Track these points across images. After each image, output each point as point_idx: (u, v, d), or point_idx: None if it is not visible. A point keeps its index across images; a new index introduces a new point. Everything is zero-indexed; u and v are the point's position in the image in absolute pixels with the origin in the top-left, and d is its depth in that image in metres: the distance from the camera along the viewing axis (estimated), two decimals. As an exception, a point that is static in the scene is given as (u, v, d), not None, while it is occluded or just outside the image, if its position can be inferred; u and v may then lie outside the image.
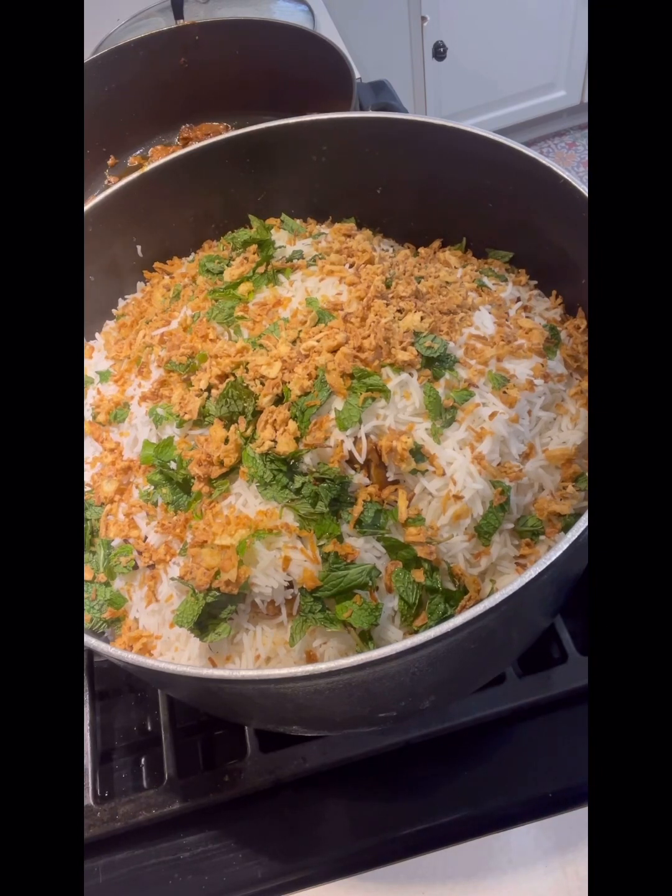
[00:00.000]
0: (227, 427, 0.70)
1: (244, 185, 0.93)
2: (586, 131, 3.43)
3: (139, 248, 0.95)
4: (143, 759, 0.86)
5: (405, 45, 2.83)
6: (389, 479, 0.68)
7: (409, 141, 0.85)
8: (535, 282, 0.88)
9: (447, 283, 0.81)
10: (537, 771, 0.79)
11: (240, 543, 0.64)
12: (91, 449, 0.81)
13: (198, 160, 0.90)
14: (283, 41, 1.39)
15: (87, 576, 0.74)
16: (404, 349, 0.69)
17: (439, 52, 2.84)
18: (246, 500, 0.68)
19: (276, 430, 0.67)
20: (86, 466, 0.80)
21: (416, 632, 0.63)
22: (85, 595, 0.74)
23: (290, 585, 0.65)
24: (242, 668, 0.66)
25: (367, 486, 0.67)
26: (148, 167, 0.89)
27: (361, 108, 1.38)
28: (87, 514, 0.77)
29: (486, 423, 0.68)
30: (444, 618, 0.63)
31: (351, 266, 0.81)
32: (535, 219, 0.81)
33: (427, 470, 0.66)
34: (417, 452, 0.66)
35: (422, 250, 0.93)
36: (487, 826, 0.77)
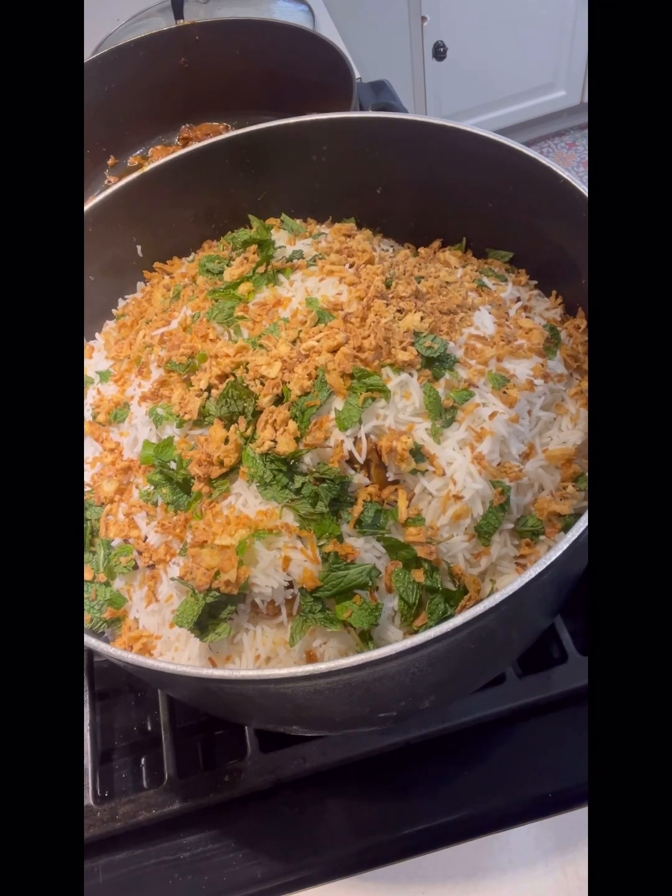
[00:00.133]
0: (227, 427, 0.70)
1: (244, 185, 0.93)
2: (586, 131, 3.43)
3: (139, 248, 0.95)
4: (143, 759, 0.86)
5: (405, 45, 2.83)
6: (389, 479, 0.68)
7: (409, 141, 0.85)
8: (535, 282, 0.88)
9: (447, 283, 0.81)
10: (537, 771, 0.79)
11: (240, 543, 0.64)
12: (91, 449, 0.81)
13: (198, 160, 0.90)
14: (283, 41, 1.39)
15: (87, 576, 0.74)
16: (404, 349, 0.69)
17: (439, 52, 2.84)
18: (246, 500, 0.68)
19: (276, 430, 0.67)
20: (86, 466, 0.80)
21: (416, 632, 0.63)
22: (85, 595, 0.74)
23: (290, 585, 0.65)
24: (242, 668, 0.66)
25: (367, 486, 0.67)
26: (148, 167, 0.89)
27: (361, 108, 1.38)
28: (87, 514, 0.77)
29: (486, 423, 0.68)
30: (444, 618, 0.63)
31: (351, 266, 0.81)
32: (535, 219, 0.81)
33: (427, 470, 0.66)
34: (417, 452, 0.66)
35: (422, 250, 0.93)
36: (487, 826, 0.77)
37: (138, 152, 1.51)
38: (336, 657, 0.62)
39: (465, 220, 0.90)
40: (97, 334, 0.94)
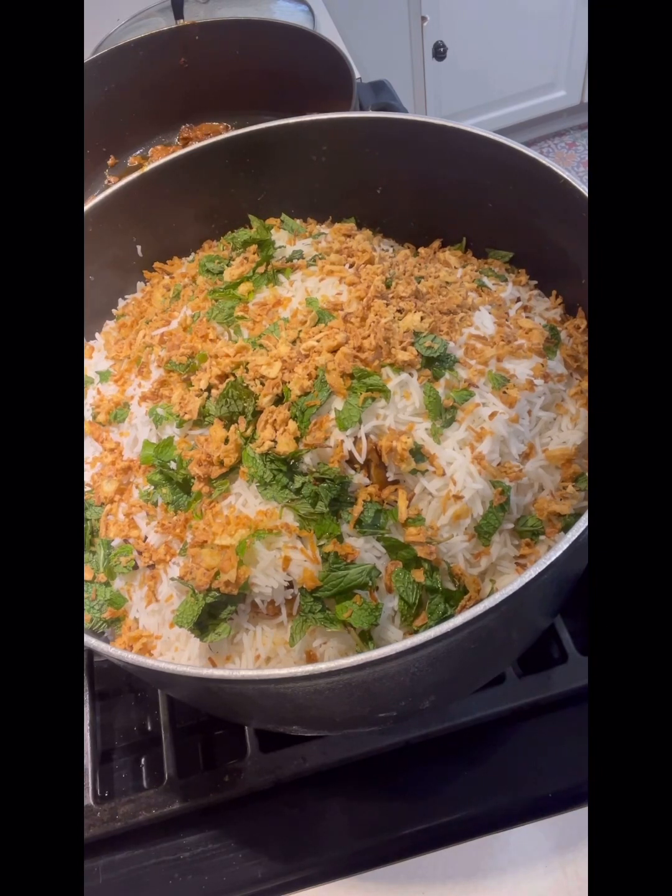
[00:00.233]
0: (227, 427, 0.70)
1: (244, 185, 0.93)
2: (586, 131, 3.43)
3: (139, 248, 0.95)
4: (143, 759, 0.86)
5: (405, 45, 2.83)
6: (389, 479, 0.68)
7: (409, 141, 0.85)
8: (535, 282, 0.88)
9: (447, 283, 0.81)
10: (537, 771, 0.79)
11: (240, 543, 0.64)
12: (91, 449, 0.81)
13: (198, 160, 0.90)
14: (283, 41, 1.39)
15: (87, 576, 0.74)
16: (404, 349, 0.69)
17: (439, 52, 2.84)
18: (246, 500, 0.68)
19: (276, 430, 0.67)
20: (86, 466, 0.80)
21: (416, 632, 0.63)
22: (85, 595, 0.74)
23: (290, 585, 0.65)
24: (242, 668, 0.66)
25: (367, 486, 0.67)
26: (148, 167, 0.89)
27: (361, 108, 1.38)
28: (87, 514, 0.77)
29: (486, 423, 0.68)
30: (444, 618, 0.63)
31: (351, 266, 0.81)
32: (535, 219, 0.81)
33: (427, 470, 0.66)
34: (417, 452, 0.66)
35: (422, 250, 0.93)
36: (487, 826, 0.77)
37: (138, 152, 1.51)
38: (336, 657, 0.62)
39: (465, 220, 0.90)
40: (97, 334, 0.94)
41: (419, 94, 3.02)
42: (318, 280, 0.80)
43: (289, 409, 0.68)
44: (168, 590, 0.70)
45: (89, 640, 0.58)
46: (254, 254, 0.86)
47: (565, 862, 0.74)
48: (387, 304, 0.73)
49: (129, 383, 0.83)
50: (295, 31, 1.39)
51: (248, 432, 0.69)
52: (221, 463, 0.68)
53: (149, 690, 0.89)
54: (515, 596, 0.51)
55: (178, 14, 1.53)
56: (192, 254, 0.98)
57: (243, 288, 0.82)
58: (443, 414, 0.68)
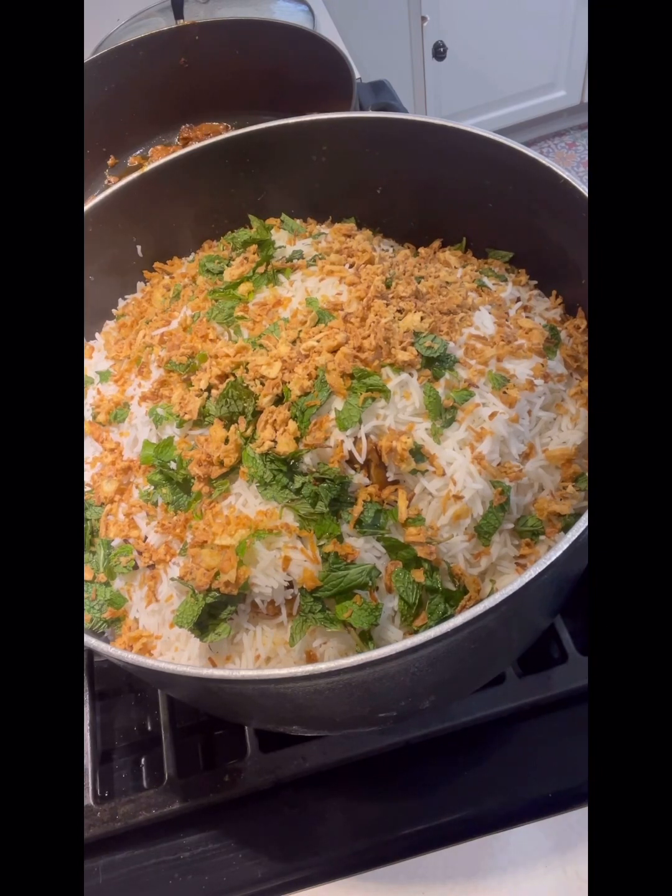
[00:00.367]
0: (227, 427, 0.70)
1: (244, 185, 0.93)
2: (586, 131, 3.43)
3: (139, 248, 0.95)
4: (143, 759, 0.86)
5: (405, 45, 2.83)
6: (389, 479, 0.68)
7: (409, 141, 0.85)
8: (535, 282, 0.88)
9: (447, 283, 0.81)
10: (537, 771, 0.79)
11: (240, 543, 0.64)
12: (91, 449, 0.81)
13: (198, 160, 0.90)
14: (283, 41, 1.39)
15: (87, 576, 0.74)
16: (404, 349, 0.69)
17: (439, 52, 2.84)
18: (246, 500, 0.68)
19: (276, 430, 0.67)
20: (86, 466, 0.80)
21: (416, 632, 0.63)
22: (85, 595, 0.74)
23: (290, 585, 0.65)
24: (242, 668, 0.66)
25: (367, 486, 0.67)
26: (148, 167, 0.89)
27: (361, 108, 1.38)
28: (87, 514, 0.77)
29: (486, 423, 0.68)
30: (444, 618, 0.63)
31: (351, 266, 0.81)
32: (535, 219, 0.81)
33: (427, 470, 0.66)
34: (417, 452, 0.66)
35: (422, 250, 0.93)
36: (487, 826, 0.77)
37: (138, 152, 1.51)
38: (336, 657, 0.62)
39: (465, 220, 0.90)
40: (97, 334, 0.94)
41: (419, 94, 3.02)
42: (318, 280, 0.80)
43: (289, 409, 0.68)
44: (168, 590, 0.70)
45: (89, 640, 0.58)
46: (254, 254, 0.86)
47: (565, 862, 0.74)
48: (387, 304, 0.73)
49: (129, 383, 0.83)
50: (295, 31, 1.39)
51: (248, 432, 0.69)
52: (221, 463, 0.68)
53: (149, 690, 0.89)
54: (515, 596, 0.51)
55: (178, 14, 1.53)
56: (192, 254, 0.98)
57: (243, 288, 0.82)
58: (443, 414, 0.68)
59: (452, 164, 0.84)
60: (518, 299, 0.85)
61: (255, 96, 1.45)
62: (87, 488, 0.78)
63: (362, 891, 0.75)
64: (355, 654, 0.54)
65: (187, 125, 1.52)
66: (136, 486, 0.76)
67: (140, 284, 0.97)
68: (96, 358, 0.90)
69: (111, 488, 0.76)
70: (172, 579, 0.68)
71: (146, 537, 0.73)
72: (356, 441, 0.67)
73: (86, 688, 0.85)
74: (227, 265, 0.87)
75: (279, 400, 0.70)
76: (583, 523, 0.53)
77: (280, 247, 0.88)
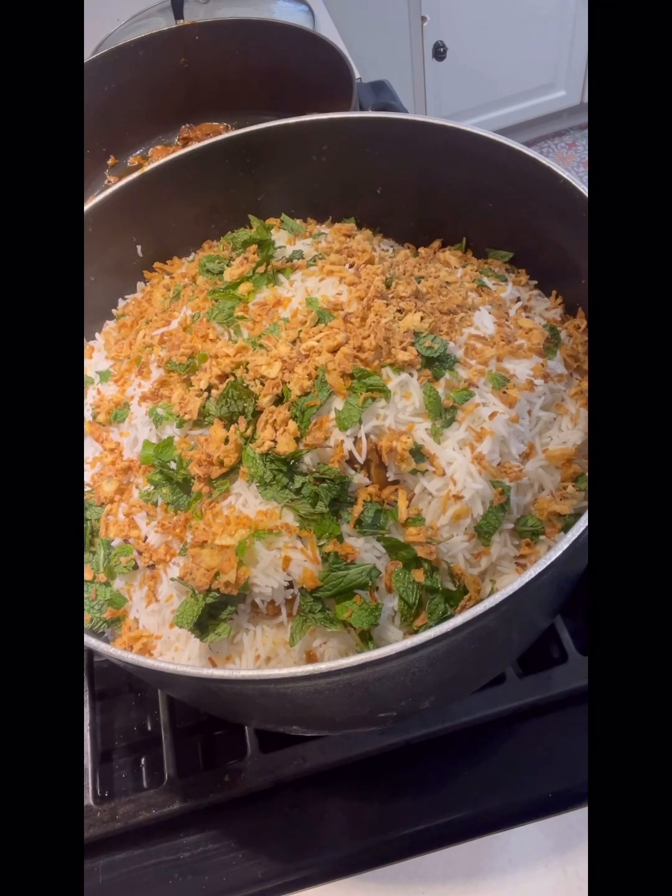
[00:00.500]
0: (227, 427, 0.70)
1: (244, 185, 0.93)
2: (586, 131, 3.43)
3: (139, 248, 0.95)
4: (143, 759, 0.86)
5: (405, 45, 2.83)
6: (389, 479, 0.68)
7: (409, 141, 0.85)
8: (535, 282, 0.88)
9: (447, 283, 0.81)
10: (537, 771, 0.79)
11: (240, 543, 0.64)
12: (91, 449, 0.81)
13: (198, 160, 0.90)
14: (283, 41, 1.39)
15: (87, 576, 0.74)
16: (404, 349, 0.69)
17: (439, 52, 2.84)
18: (246, 500, 0.68)
19: (276, 430, 0.67)
20: (86, 466, 0.80)
21: (416, 632, 0.63)
22: (85, 595, 0.74)
23: (290, 585, 0.65)
24: (242, 668, 0.66)
25: (367, 486, 0.67)
26: (148, 167, 0.89)
27: (361, 108, 1.38)
28: (87, 514, 0.77)
29: (486, 423, 0.68)
30: (444, 618, 0.63)
31: (351, 266, 0.81)
32: (535, 219, 0.81)
33: (427, 470, 0.66)
34: (417, 452, 0.66)
35: (422, 250, 0.93)
36: (487, 826, 0.77)
37: (138, 152, 1.51)
38: (336, 657, 0.62)
39: (465, 220, 0.90)
40: (97, 334, 0.94)
41: (419, 94, 3.02)
42: (318, 280, 0.80)
43: (289, 409, 0.68)
44: (168, 590, 0.70)
45: (89, 640, 0.58)
46: (254, 254, 0.86)
47: (565, 862, 0.74)
48: (387, 304, 0.73)
49: (129, 383, 0.83)
50: (295, 31, 1.39)
51: (248, 432, 0.69)
52: (221, 463, 0.68)
53: (149, 690, 0.89)
54: (515, 596, 0.51)
55: (178, 14, 1.53)
56: (192, 254, 0.98)
57: (243, 288, 0.82)
58: (443, 414, 0.68)
59: (452, 164, 0.84)
60: (518, 299, 0.85)
61: (255, 96, 1.45)
62: (87, 488, 0.78)
63: (362, 891, 0.75)
64: (355, 654, 0.54)
65: (187, 125, 1.52)
66: (136, 486, 0.76)
67: (140, 284, 0.97)
68: (96, 358, 0.90)
69: (111, 488, 0.76)
70: (172, 579, 0.68)
71: (146, 537, 0.73)
72: (356, 441, 0.67)
73: (86, 688, 0.85)
74: (227, 265, 0.87)
75: (279, 400, 0.70)
76: (583, 523, 0.53)
77: (280, 247, 0.88)
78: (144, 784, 0.84)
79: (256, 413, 0.70)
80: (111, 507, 0.76)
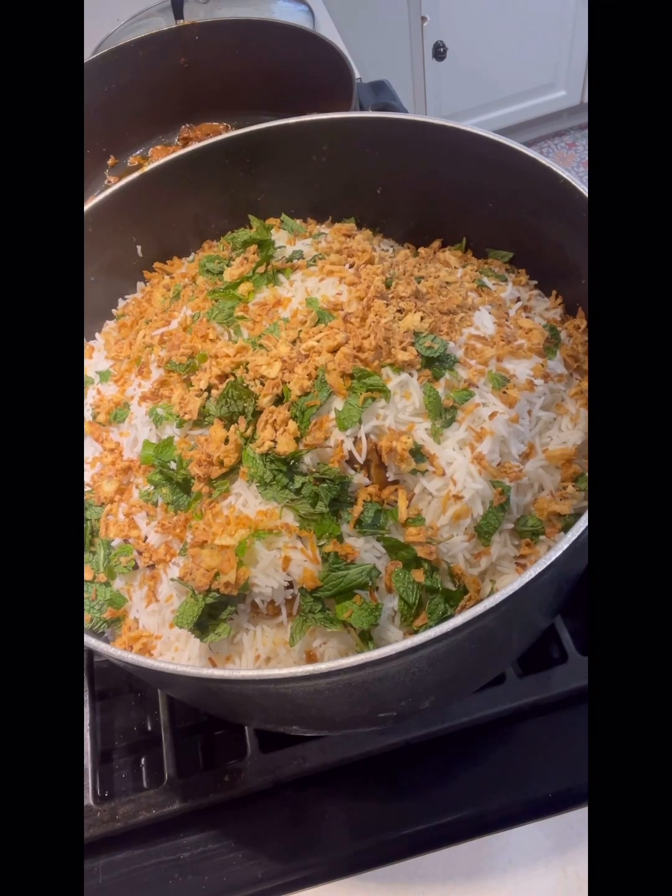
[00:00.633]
0: (227, 427, 0.70)
1: (244, 185, 0.93)
2: (586, 131, 3.43)
3: (139, 248, 0.95)
4: (143, 759, 0.86)
5: (405, 45, 2.83)
6: (389, 479, 0.68)
7: (409, 141, 0.85)
8: (535, 282, 0.88)
9: (447, 283, 0.81)
10: (537, 771, 0.79)
11: (240, 543, 0.64)
12: (91, 449, 0.81)
13: (198, 160, 0.90)
14: (283, 41, 1.39)
15: (87, 576, 0.74)
16: (404, 349, 0.69)
17: (439, 52, 2.84)
18: (246, 500, 0.68)
19: (276, 430, 0.67)
20: (86, 466, 0.80)
21: (416, 632, 0.63)
22: (85, 595, 0.74)
23: (290, 585, 0.65)
24: (242, 668, 0.66)
25: (367, 486, 0.67)
26: (148, 167, 0.89)
27: (361, 108, 1.38)
28: (87, 514, 0.77)
29: (486, 423, 0.68)
30: (444, 618, 0.63)
31: (351, 266, 0.81)
32: (535, 219, 0.81)
33: (427, 470, 0.66)
34: (417, 452, 0.66)
35: (422, 250, 0.93)
36: (487, 826, 0.77)
37: (138, 152, 1.51)
38: (336, 657, 0.62)
39: (465, 220, 0.90)
40: (97, 334, 0.94)
41: (419, 94, 3.02)
42: (318, 280, 0.80)
43: (289, 410, 0.68)
44: (168, 590, 0.70)
45: (89, 640, 0.58)
46: (254, 254, 0.86)
47: (565, 862, 0.74)
48: (387, 304, 0.73)
49: (129, 383, 0.83)
50: (295, 31, 1.39)
51: (248, 432, 0.69)
52: (221, 463, 0.68)
53: (149, 690, 0.89)
54: (515, 596, 0.51)
55: (178, 14, 1.52)
56: (192, 254, 0.98)
57: (243, 288, 0.82)
58: (443, 414, 0.68)
59: (452, 164, 0.84)
60: (518, 299, 0.85)
61: (255, 96, 1.45)
62: (87, 488, 0.78)
63: (362, 891, 0.75)
64: (355, 654, 0.54)
65: (187, 125, 1.52)
66: (136, 486, 0.76)
67: (140, 284, 0.97)
68: (96, 358, 0.90)
69: (111, 488, 0.76)
70: (172, 580, 0.68)
71: (146, 537, 0.73)
72: (356, 441, 0.67)
73: (86, 688, 0.85)
74: (227, 265, 0.87)
75: (279, 400, 0.70)
76: (583, 523, 0.53)
77: (280, 247, 0.88)
78: (144, 784, 0.84)
79: (256, 413, 0.70)
80: (111, 507, 0.76)
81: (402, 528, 0.66)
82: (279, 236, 0.90)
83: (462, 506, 0.65)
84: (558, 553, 0.52)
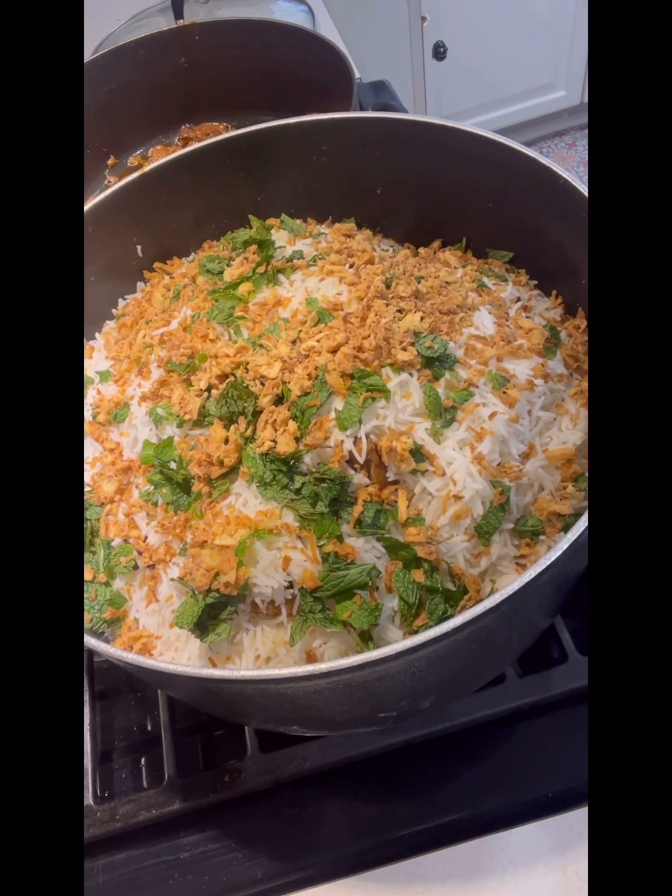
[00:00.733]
0: (227, 427, 0.70)
1: (244, 185, 0.93)
2: (586, 131, 3.43)
3: (139, 248, 0.95)
4: (143, 759, 0.86)
5: (405, 45, 2.83)
6: (389, 479, 0.68)
7: (409, 141, 0.85)
8: (535, 282, 0.88)
9: (447, 283, 0.81)
10: (537, 771, 0.79)
11: (240, 543, 0.64)
12: (91, 449, 0.81)
13: (198, 160, 0.90)
14: (283, 41, 1.39)
15: (87, 576, 0.74)
16: (404, 349, 0.69)
17: (439, 52, 2.85)
18: (246, 500, 0.68)
19: (276, 430, 0.67)
20: (86, 466, 0.80)
21: (416, 632, 0.63)
22: (85, 595, 0.74)
23: (290, 585, 0.65)
24: (242, 668, 0.66)
25: (367, 486, 0.67)
26: (148, 167, 0.89)
27: (361, 108, 1.38)
28: (87, 514, 0.77)
29: (486, 423, 0.68)
30: (444, 618, 0.63)
31: (351, 266, 0.81)
32: (535, 219, 0.81)
33: (427, 470, 0.66)
34: (417, 452, 0.66)
35: (422, 250, 0.93)
36: (487, 826, 0.77)
37: (138, 152, 1.51)
38: (336, 657, 0.62)
39: (465, 220, 0.90)
40: (97, 334, 0.94)
41: (419, 94, 3.02)
42: (318, 280, 0.80)
43: (289, 409, 0.68)
44: (168, 590, 0.70)
45: (89, 640, 0.58)
46: (254, 254, 0.86)
47: (565, 862, 0.74)
48: (387, 304, 0.73)
49: (129, 383, 0.83)
50: (295, 31, 1.39)
51: (248, 432, 0.69)
52: (221, 463, 0.68)
53: (149, 690, 0.89)
54: (515, 596, 0.51)
55: (178, 14, 1.53)
56: (192, 254, 0.98)
57: (243, 288, 0.82)
58: (443, 414, 0.68)
59: (452, 164, 0.84)
60: (518, 299, 0.85)
61: (255, 96, 1.45)
62: (87, 488, 0.78)
63: (362, 891, 0.75)
64: (355, 654, 0.54)
65: (187, 125, 1.52)
66: (136, 486, 0.76)
67: (140, 284, 0.97)
68: (96, 358, 0.90)
69: (111, 488, 0.76)
70: (172, 580, 0.68)
71: (146, 537, 0.73)
72: (356, 441, 0.67)
73: (86, 688, 0.85)
74: (227, 265, 0.87)
75: (279, 400, 0.70)
76: (583, 523, 0.53)
77: (280, 247, 0.88)
78: (144, 784, 0.84)
79: (256, 413, 0.70)
80: (111, 507, 0.76)
81: (402, 528, 0.66)
82: (279, 236, 0.90)
83: (462, 506, 0.65)
84: (558, 553, 0.52)
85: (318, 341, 0.71)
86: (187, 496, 0.71)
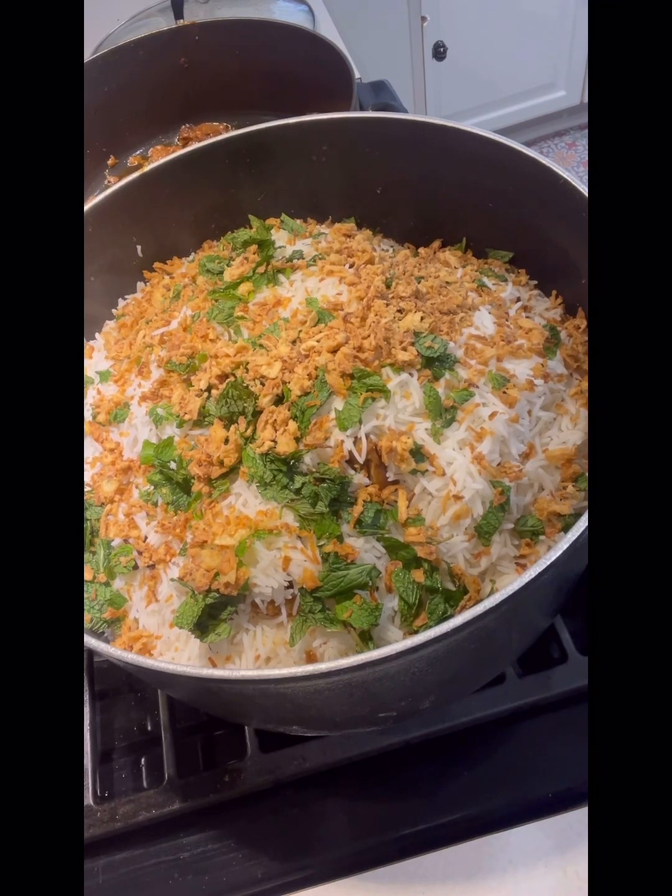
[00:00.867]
0: (227, 427, 0.70)
1: (244, 185, 0.93)
2: (586, 131, 3.43)
3: (139, 248, 0.95)
4: (143, 759, 0.86)
5: (405, 45, 2.83)
6: (389, 479, 0.68)
7: (409, 141, 0.85)
8: (535, 282, 0.88)
9: (447, 283, 0.81)
10: (537, 771, 0.79)
11: (240, 543, 0.64)
12: (91, 449, 0.81)
13: (198, 160, 0.90)
14: (283, 41, 1.39)
15: (87, 576, 0.74)
16: (404, 349, 0.69)
17: (439, 52, 2.85)
18: (246, 500, 0.68)
19: (276, 430, 0.67)
20: (86, 466, 0.80)
21: (416, 632, 0.63)
22: (85, 595, 0.74)
23: (290, 585, 0.65)
24: (242, 668, 0.66)
25: (367, 486, 0.67)
26: (148, 167, 0.89)
27: (361, 108, 1.38)
28: (87, 514, 0.77)
29: (486, 423, 0.68)
30: (444, 618, 0.63)
31: (351, 266, 0.81)
32: (535, 219, 0.81)
33: (427, 470, 0.66)
34: (417, 452, 0.66)
35: (422, 250, 0.93)
36: (487, 826, 0.77)
37: (138, 152, 1.51)
38: (336, 657, 0.62)
39: (465, 220, 0.90)
40: (97, 334, 0.94)
41: (419, 94, 3.02)
42: (318, 280, 0.80)
43: (289, 409, 0.68)
44: (168, 590, 0.70)
45: (89, 640, 0.58)
46: (254, 254, 0.86)
47: (565, 862, 0.74)
48: (387, 304, 0.73)
49: (129, 383, 0.83)
50: (295, 31, 1.39)
51: (248, 432, 0.69)
52: (221, 463, 0.68)
53: (149, 690, 0.89)
54: (515, 596, 0.51)
55: (178, 14, 1.53)
56: (192, 254, 0.98)
57: (243, 288, 0.82)
58: (443, 414, 0.68)
59: (452, 164, 0.84)
60: (518, 299, 0.85)
61: (255, 96, 1.45)
62: (87, 488, 0.78)
63: (362, 891, 0.75)
64: (355, 654, 0.54)
65: (187, 125, 1.52)
66: (136, 486, 0.76)
67: (140, 284, 0.97)
68: (96, 358, 0.90)
69: (111, 488, 0.76)
70: (172, 580, 0.68)
71: (146, 537, 0.73)
72: (356, 441, 0.67)
73: (86, 688, 0.85)
74: (227, 265, 0.87)
75: (279, 400, 0.70)
76: (583, 523, 0.53)
77: (280, 247, 0.88)
78: (144, 784, 0.84)
79: (256, 413, 0.70)
80: (111, 507, 0.76)
81: (402, 528, 0.66)
82: (279, 236, 0.90)
83: (462, 506, 0.65)
84: (558, 553, 0.52)
85: (318, 341, 0.71)
86: (187, 496, 0.71)
